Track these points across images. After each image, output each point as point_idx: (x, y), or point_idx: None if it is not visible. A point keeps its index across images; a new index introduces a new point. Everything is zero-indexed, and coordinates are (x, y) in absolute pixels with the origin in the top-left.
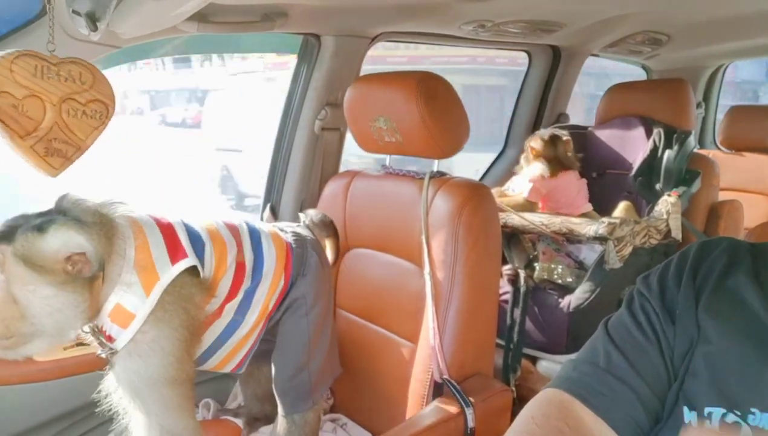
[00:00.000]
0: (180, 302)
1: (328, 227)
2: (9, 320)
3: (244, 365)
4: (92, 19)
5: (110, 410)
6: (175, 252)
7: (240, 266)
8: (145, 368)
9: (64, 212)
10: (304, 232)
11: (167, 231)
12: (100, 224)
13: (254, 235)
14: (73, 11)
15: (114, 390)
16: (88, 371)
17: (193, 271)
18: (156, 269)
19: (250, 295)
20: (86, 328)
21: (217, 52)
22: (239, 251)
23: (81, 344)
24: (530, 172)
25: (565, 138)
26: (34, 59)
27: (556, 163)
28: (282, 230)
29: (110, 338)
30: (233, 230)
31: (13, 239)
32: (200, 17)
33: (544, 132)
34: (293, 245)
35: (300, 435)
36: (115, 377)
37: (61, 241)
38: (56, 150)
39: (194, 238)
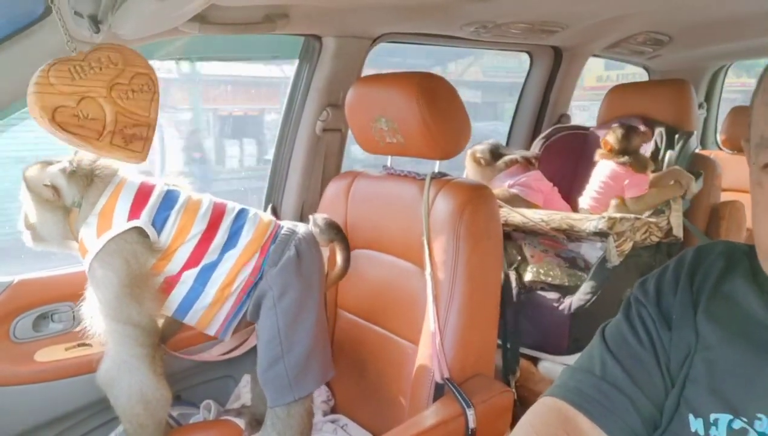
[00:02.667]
0: (122, 253)
1: (331, 229)
2: (27, 219)
3: (226, 331)
4: (94, 21)
5: (109, 410)
6: (135, 212)
7: (204, 241)
8: (95, 298)
9: (71, 162)
10: (302, 230)
11: (142, 194)
12: (86, 175)
13: (239, 220)
14: (76, 13)
15: (85, 315)
16: (88, 371)
17: (144, 233)
18: (113, 220)
19: (210, 269)
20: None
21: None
22: (210, 228)
23: (81, 344)
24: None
25: (642, 129)
26: (64, 64)
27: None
28: (282, 227)
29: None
30: (218, 210)
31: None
32: (202, 18)
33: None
34: (278, 237)
35: (284, 429)
36: (85, 303)
37: (48, 174)
38: (132, 136)
39: (166, 206)
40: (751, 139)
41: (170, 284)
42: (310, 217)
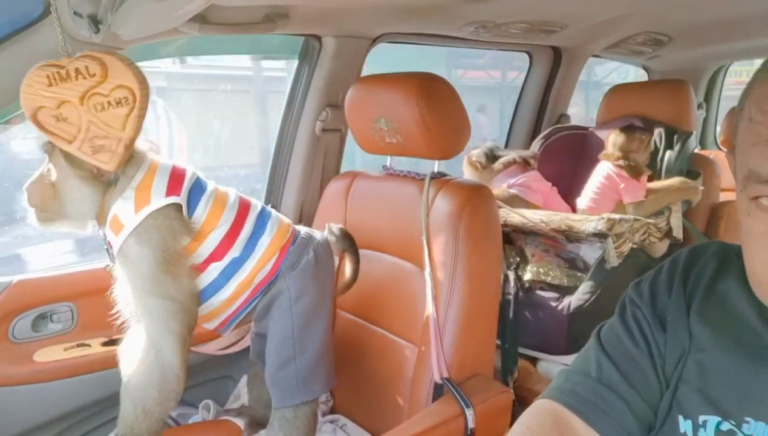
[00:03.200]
0: (160, 229)
1: (346, 239)
2: (46, 196)
3: (228, 327)
4: (94, 21)
5: (109, 410)
6: (172, 189)
7: (232, 232)
8: (130, 275)
9: None
10: (319, 236)
11: (177, 175)
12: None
13: (263, 216)
14: (75, 13)
15: (118, 296)
16: (88, 371)
17: (181, 210)
18: (150, 195)
19: (236, 263)
20: (100, 233)
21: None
22: (238, 220)
23: (81, 344)
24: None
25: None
26: (44, 69)
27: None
28: (299, 230)
29: (111, 246)
30: (244, 203)
31: None
32: (202, 18)
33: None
34: (297, 240)
35: (290, 430)
36: (117, 283)
37: None
38: (100, 147)
39: (198, 189)
40: (737, 165)
41: (194, 269)
42: (327, 225)
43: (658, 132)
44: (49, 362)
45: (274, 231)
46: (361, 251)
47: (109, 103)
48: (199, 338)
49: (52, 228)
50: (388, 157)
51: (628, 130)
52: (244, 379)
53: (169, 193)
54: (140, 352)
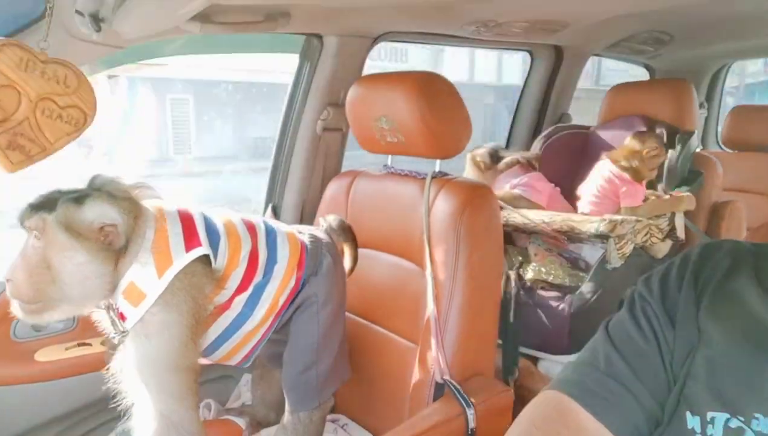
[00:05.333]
0: (189, 289)
1: (346, 232)
2: (41, 284)
3: (250, 359)
4: (95, 19)
5: (111, 409)
6: (191, 240)
7: (252, 261)
8: (151, 350)
9: (98, 189)
10: (322, 235)
11: (186, 220)
12: (129, 202)
13: (270, 234)
14: (77, 11)
15: (120, 372)
16: (88, 371)
17: (205, 261)
18: (171, 253)
19: (260, 290)
20: (102, 304)
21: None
22: (254, 246)
23: (82, 344)
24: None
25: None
26: (21, 51)
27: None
28: (300, 232)
29: (122, 317)
30: (250, 227)
31: (54, 208)
32: (203, 17)
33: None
34: (308, 246)
35: (305, 432)
36: (124, 357)
37: (97, 212)
38: (20, 146)
39: (211, 230)
40: None
41: (215, 313)
42: (322, 218)
43: (660, 131)
44: (50, 362)
45: (287, 245)
46: (362, 251)
47: (60, 115)
48: None
49: (44, 321)
50: (389, 157)
51: (644, 134)
52: (244, 378)
53: (189, 247)
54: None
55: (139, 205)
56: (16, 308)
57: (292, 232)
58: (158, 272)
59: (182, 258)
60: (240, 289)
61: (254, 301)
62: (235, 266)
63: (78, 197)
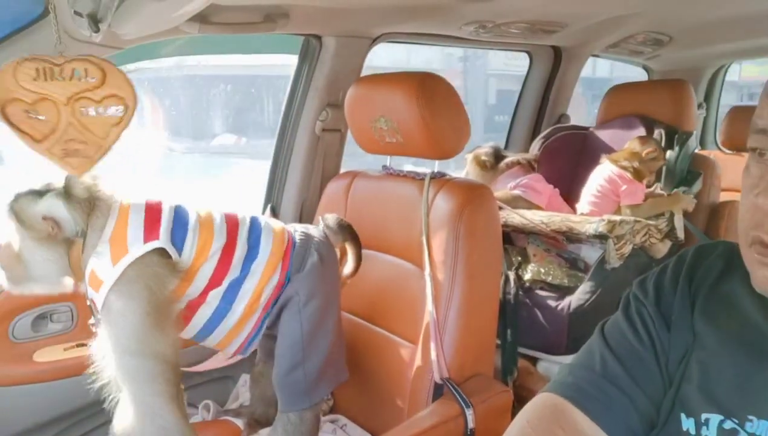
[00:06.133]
0: (144, 279)
1: (344, 230)
2: (11, 262)
3: (246, 349)
4: (94, 20)
5: (110, 410)
6: (150, 233)
7: (226, 257)
8: (112, 335)
9: (65, 187)
10: (317, 233)
11: (152, 213)
12: (87, 200)
13: (255, 229)
14: (75, 12)
15: (102, 358)
16: (87, 372)
17: (166, 253)
18: (127, 244)
19: (236, 285)
20: (82, 290)
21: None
22: (229, 242)
23: (81, 344)
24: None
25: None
26: (35, 63)
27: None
28: (295, 230)
29: (94, 304)
30: (231, 222)
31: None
32: (202, 18)
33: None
34: (296, 243)
35: (295, 432)
36: (96, 343)
37: (44, 206)
38: (75, 150)
39: (180, 224)
40: None
41: (193, 307)
42: (320, 217)
43: (659, 132)
44: (48, 362)
45: (271, 239)
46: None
47: (98, 109)
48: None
49: (25, 291)
50: (388, 157)
51: (643, 137)
52: (243, 379)
53: (147, 238)
54: (134, 420)
55: (99, 201)
56: (2, 278)
57: (283, 229)
58: (113, 261)
59: (137, 249)
60: (212, 284)
61: (231, 296)
62: (204, 260)
63: (40, 192)
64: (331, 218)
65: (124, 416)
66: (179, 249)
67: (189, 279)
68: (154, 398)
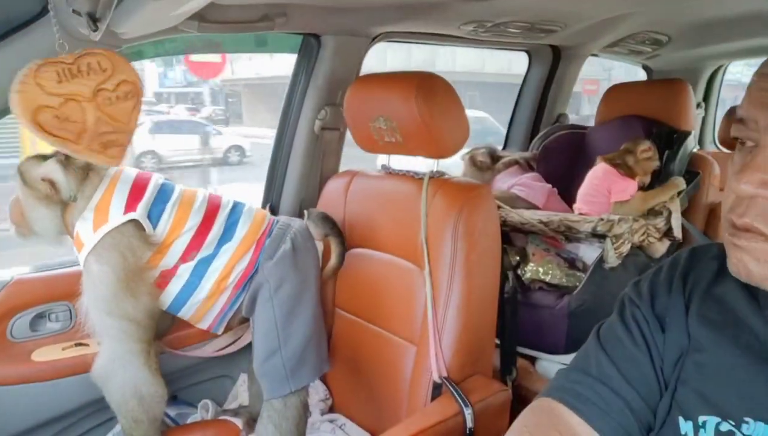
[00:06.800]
0: (119, 247)
1: (325, 223)
2: (17, 217)
3: (220, 324)
4: (93, 19)
5: (106, 411)
6: (131, 205)
7: (199, 235)
8: (90, 294)
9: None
10: (296, 224)
11: (138, 187)
12: (84, 168)
13: (234, 214)
14: (74, 11)
15: (81, 310)
16: (85, 371)
17: (141, 225)
18: (108, 213)
19: (205, 262)
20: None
21: (218, 52)
22: (205, 222)
23: (78, 344)
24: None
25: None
26: (52, 66)
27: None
28: (276, 221)
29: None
30: (213, 204)
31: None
32: (201, 17)
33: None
34: (273, 231)
35: (281, 420)
36: (81, 298)
37: (45, 169)
38: (110, 142)
39: (160, 199)
40: None
41: (166, 277)
42: (305, 211)
43: (657, 132)
44: (47, 362)
45: (247, 225)
46: (360, 250)
47: (117, 97)
48: (197, 338)
49: (30, 242)
50: (388, 156)
51: (637, 138)
52: (242, 378)
53: (127, 210)
54: (108, 368)
55: (93, 171)
56: (11, 228)
57: (263, 217)
58: (94, 228)
59: (116, 219)
60: (183, 258)
61: (200, 272)
62: (177, 236)
63: (44, 156)
64: (314, 212)
65: (101, 365)
66: (155, 223)
67: (162, 251)
68: (124, 352)
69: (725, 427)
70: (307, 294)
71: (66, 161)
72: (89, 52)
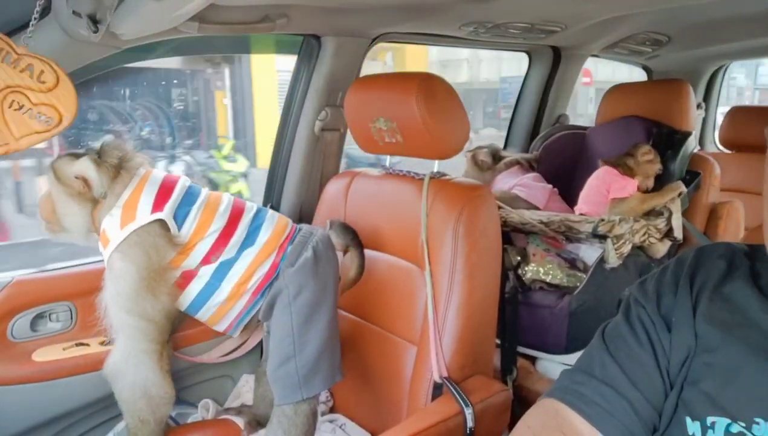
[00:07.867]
0: (144, 245)
1: (347, 233)
2: (49, 212)
3: (236, 328)
4: (93, 21)
5: (107, 410)
6: (158, 205)
7: (223, 238)
8: (111, 290)
9: (97, 151)
10: (319, 233)
11: (166, 188)
12: (116, 166)
13: (258, 219)
14: (74, 12)
15: (100, 306)
16: (86, 371)
17: (167, 226)
18: (136, 212)
19: (227, 265)
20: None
21: (218, 52)
22: (229, 225)
23: (79, 344)
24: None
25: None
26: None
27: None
28: (299, 228)
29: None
30: (237, 208)
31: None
32: (201, 18)
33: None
34: (295, 238)
35: (290, 427)
36: (102, 294)
37: (79, 166)
38: None
39: (187, 202)
40: None
41: (187, 278)
42: (328, 221)
43: (658, 132)
44: (47, 362)
45: (270, 231)
46: None
47: (29, 111)
48: (201, 338)
49: (59, 239)
50: (388, 157)
51: (637, 143)
52: (243, 378)
53: (155, 210)
54: (120, 366)
55: (125, 169)
56: (42, 226)
57: (286, 223)
58: (121, 225)
59: (143, 218)
60: (205, 260)
61: (221, 275)
62: (201, 238)
63: (76, 154)
64: (336, 222)
65: (113, 362)
66: (180, 224)
67: (185, 253)
68: (138, 351)
69: (735, 428)
70: (325, 303)
71: (98, 160)
72: (44, 60)
